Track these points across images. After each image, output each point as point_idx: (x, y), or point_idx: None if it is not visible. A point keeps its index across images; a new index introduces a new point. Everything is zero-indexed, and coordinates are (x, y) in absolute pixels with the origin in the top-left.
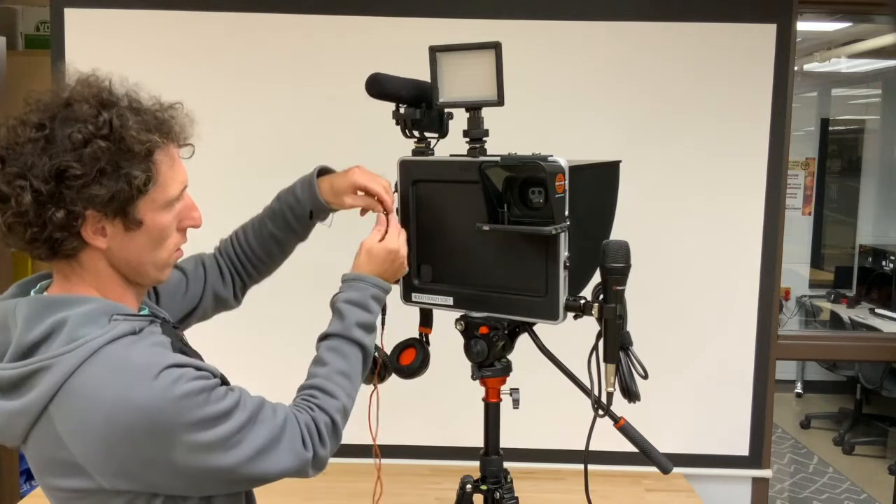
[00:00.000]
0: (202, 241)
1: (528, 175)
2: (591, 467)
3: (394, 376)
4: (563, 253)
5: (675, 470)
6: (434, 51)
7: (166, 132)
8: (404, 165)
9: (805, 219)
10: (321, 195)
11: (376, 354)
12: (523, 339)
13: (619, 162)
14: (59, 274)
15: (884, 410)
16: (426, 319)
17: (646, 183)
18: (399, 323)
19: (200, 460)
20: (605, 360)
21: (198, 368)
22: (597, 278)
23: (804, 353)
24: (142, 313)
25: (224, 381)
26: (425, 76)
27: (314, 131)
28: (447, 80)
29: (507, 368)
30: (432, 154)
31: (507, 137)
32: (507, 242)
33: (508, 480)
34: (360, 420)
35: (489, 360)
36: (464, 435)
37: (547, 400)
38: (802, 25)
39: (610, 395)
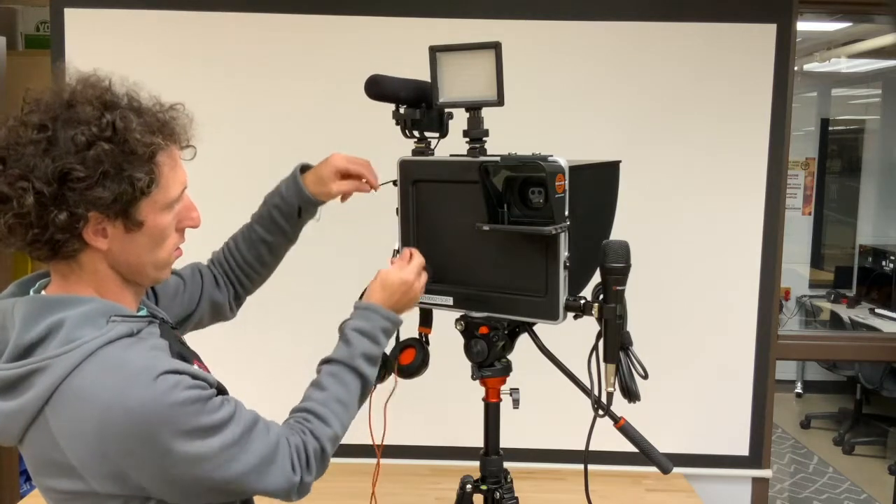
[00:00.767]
0: (201, 240)
1: (528, 175)
2: (591, 467)
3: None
4: (563, 253)
5: (675, 470)
6: (434, 51)
7: (168, 134)
8: (404, 165)
9: (805, 219)
10: (307, 188)
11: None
12: (523, 339)
13: (619, 162)
14: (58, 274)
15: (884, 410)
16: (426, 319)
17: (646, 183)
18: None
19: (191, 470)
20: (605, 360)
21: (194, 377)
22: (597, 278)
23: (804, 353)
24: (140, 314)
25: (221, 391)
26: (425, 76)
27: (314, 131)
28: (447, 80)
29: (507, 368)
30: (432, 154)
31: (507, 137)
32: (507, 242)
33: (508, 480)
34: (361, 420)
35: (489, 360)
36: (464, 435)
37: (547, 400)
38: (802, 25)
39: (610, 395)
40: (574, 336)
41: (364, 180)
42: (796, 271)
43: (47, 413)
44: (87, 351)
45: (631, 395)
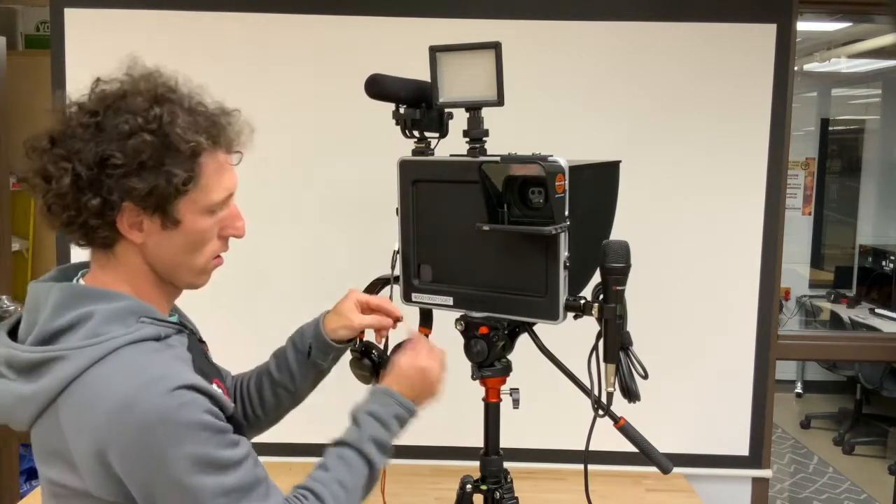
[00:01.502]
0: None
1: (527, 175)
2: (591, 467)
3: None
4: (563, 253)
5: (675, 470)
6: (434, 51)
7: (215, 136)
8: (404, 165)
9: (805, 219)
10: (324, 326)
11: (374, 355)
12: (523, 339)
13: (619, 162)
14: (96, 263)
15: (884, 410)
16: (426, 320)
17: (646, 183)
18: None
19: (176, 496)
20: (605, 360)
21: (213, 400)
22: (597, 278)
23: (804, 353)
24: (171, 319)
25: (236, 423)
26: (425, 76)
27: (314, 131)
28: (447, 80)
29: (507, 368)
30: (432, 154)
31: (507, 137)
32: (507, 242)
33: (508, 480)
34: None
35: (489, 360)
36: (464, 435)
37: (547, 400)
38: (802, 25)
39: (610, 395)
40: (574, 336)
41: (385, 313)
42: (796, 271)
43: (59, 403)
44: (110, 347)
45: (631, 394)
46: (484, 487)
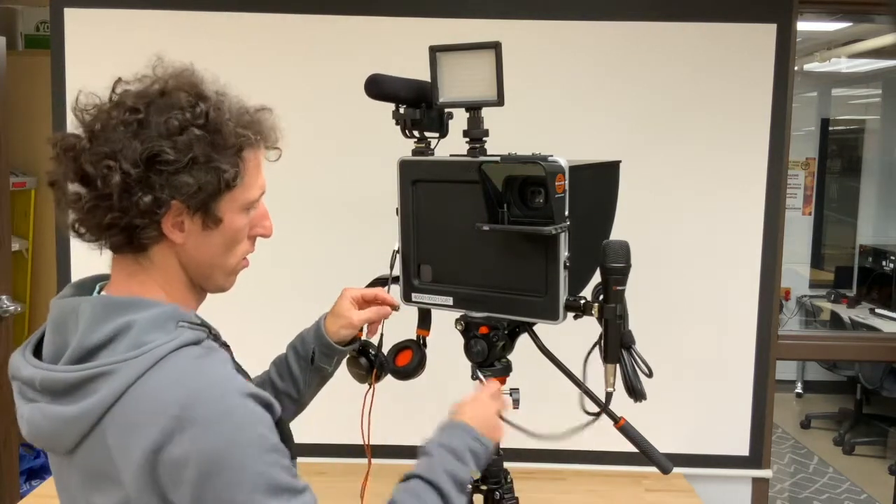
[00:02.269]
0: None
1: (527, 175)
2: (591, 467)
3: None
4: (563, 253)
5: (675, 470)
6: (434, 51)
7: (258, 130)
8: (404, 165)
9: (805, 219)
10: (325, 329)
11: (372, 354)
12: (523, 339)
13: (619, 162)
14: (123, 272)
15: (884, 410)
16: (424, 321)
17: (646, 182)
18: (398, 323)
19: None
20: (606, 360)
21: (270, 408)
22: (597, 278)
23: (804, 353)
24: (206, 322)
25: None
26: (425, 76)
27: (314, 131)
28: (447, 80)
29: (507, 368)
30: (432, 154)
31: (507, 137)
32: (507, 242)
33: (508, 480)
34: (359, 420)
35: (489, 360)
36: None
37: (547, 400)
38: (802, 25)
39: (609, 395)
40: (574, 336)
41: (381, 302)
42: (796, 271)
43: (106, 421)
44: (157, 356)
45: (637, 394)
46: (484, 487)
